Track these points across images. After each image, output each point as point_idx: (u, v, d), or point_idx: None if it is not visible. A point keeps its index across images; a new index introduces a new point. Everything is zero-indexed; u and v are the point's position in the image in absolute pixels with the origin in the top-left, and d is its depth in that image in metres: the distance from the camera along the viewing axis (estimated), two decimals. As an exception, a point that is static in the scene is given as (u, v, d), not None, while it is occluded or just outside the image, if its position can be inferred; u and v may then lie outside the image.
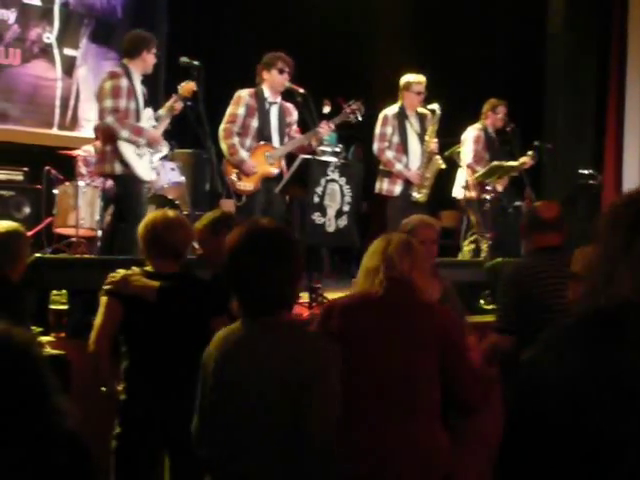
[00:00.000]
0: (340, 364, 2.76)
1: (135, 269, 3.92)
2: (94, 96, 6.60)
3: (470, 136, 8.74)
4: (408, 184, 7.87)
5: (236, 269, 2.78)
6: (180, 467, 3.85)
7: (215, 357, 2.80)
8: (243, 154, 7.04)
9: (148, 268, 3.92)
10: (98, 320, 3.82)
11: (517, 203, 9.31)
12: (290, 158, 7.20)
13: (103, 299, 3.84)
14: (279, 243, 2.81)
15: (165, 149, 6.83)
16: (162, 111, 6.80)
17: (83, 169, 8.50)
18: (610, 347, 1.65)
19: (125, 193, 6.73)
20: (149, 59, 6.70)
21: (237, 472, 2.73)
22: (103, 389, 3.84)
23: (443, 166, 8.12)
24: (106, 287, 3.83)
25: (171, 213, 4.02)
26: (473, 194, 8.71)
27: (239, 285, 2.79)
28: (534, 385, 1.70)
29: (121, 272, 3.88)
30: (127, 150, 6.55)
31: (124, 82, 6.54)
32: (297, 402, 2.64)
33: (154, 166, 6.78)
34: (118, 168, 6.58)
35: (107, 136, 6.60)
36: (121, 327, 3.80)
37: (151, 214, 4.11)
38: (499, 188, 8.74)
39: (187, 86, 6.71)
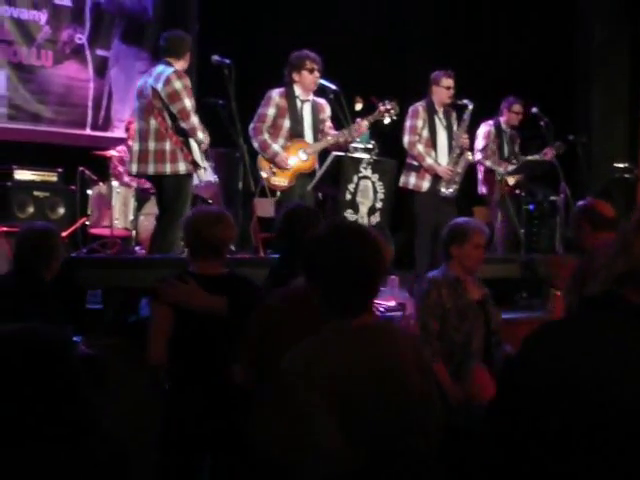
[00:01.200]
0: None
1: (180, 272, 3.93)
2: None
3: (480, 132, 8.70)
4: (436, 179, 7.81)
5: (341, 265, 2.58)
6: (226, 467, 3.88)
7: (330, 370, 2.49)
8: (275, 147, 7.05)
9: (193, 269, 3.92)
10: (153, 330, 3.81)
11: (552, 198, 9.25)
12: (323, 155, 7.18)
13: (154, 307, 3.84)
14: (377, 241, 2.68)
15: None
16: None
17: (120, 168, 8.54)
18: None
19: (181, 193, 6.60)
20: (188, 60, 6.75)
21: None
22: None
23: (473, 162, 8.12)
24: (157, 295, 3.82)
25: (213, 209, 4.01)
26: (484, 190, 8.73)
27: (342, 282, 2.58)
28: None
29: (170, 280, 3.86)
30: (196, 151, 6.59)
31: (189, 81, 6.58)
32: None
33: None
34: (182, 167, 6.53)
35: (171, 135, 6.53)
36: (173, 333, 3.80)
37: (193, 210, 4.13)
38: (511, 182, 8.64)
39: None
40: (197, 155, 6.57)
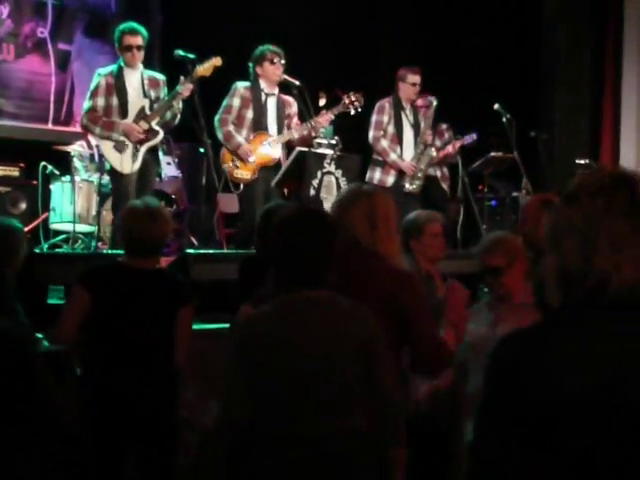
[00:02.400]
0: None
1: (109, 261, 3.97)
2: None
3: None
4: (401, 175, 7.85)
5: (289, 242, 2.85)
6: (149, 458, 3.89)
7: (264, 335, 2.81)
8: (239, 139, 7.07)
9: (123, 260, 3.98)
10: (66, 310, 3.91)
11: (514, 194, 9.31)
12: (289, 151, 7.18)
13: (75, 291, 3.91)
14: (328, 223, 2.95)
15: (156, 138, 6.76)
16: (161, 102, 6.75)
17: (78, 164, 8.48)
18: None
19: (113, 188, 6.96)
20: (121, 53, 6.76)
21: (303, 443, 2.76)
22: None
23: (436, 158, 8.13)
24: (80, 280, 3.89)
25: (147, 204, 4.00)
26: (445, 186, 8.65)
27: (288, 258, 2.85)
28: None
29: None
30: (105, 146, 6.71)
31: (103, 80, 6.69)
32: (362, 361, 2.79)
33: (141, 156, 6.72)
34: (107, 164, 6.82)
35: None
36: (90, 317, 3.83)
37: (126, 207, 4.13)
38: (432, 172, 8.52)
39: (209, 64, 6.74)
40: (108, 151, 6.71)
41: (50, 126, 10.12)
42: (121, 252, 6.48)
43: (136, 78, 6.73)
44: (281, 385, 2.77)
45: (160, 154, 6.96)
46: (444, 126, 8.62)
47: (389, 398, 2.88)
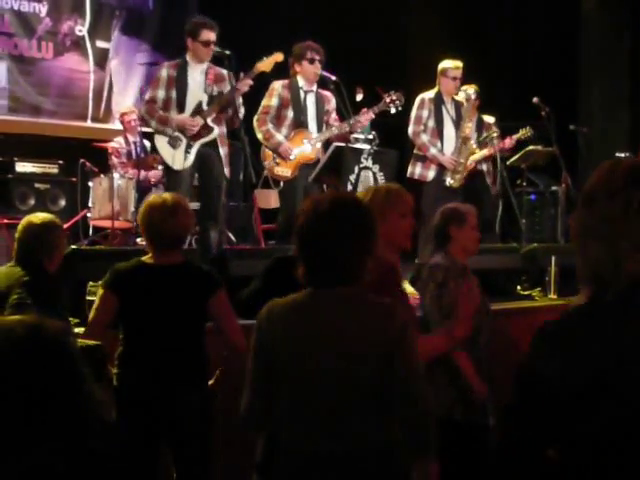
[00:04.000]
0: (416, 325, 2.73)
1: (132, 261, 3.93)
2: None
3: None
4: (442, 169, 7.80)
5: (316, 235, 2.66)
6: (185, 455, 3.85)
7: (283, 330, 2.67)
8: (279, 137, 7.03)
9: (146, 259, 3.91)
10: (94, 309, 3.88)
11: (554, 188, 9.23)
12: (327, 146, 7.16)
13: (101, 293, 3.88)
14: (362, 213, 2.73)
15: (211, 134, 6.69)
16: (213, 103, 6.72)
17: (115, 160, 8.55)
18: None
19: (166, 184, 6.96)
20: (195, 48, 6.57)
21: (318, 451, 2.63)
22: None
23: (477, 151, 8.06)
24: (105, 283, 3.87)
25: (168, 198, 3.93)
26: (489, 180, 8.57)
27: (316, 252, 2.66)
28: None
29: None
30: (159, 141, 6.61)
31: (164, 72, 6.58)
32: (384, 368, 2.60)
33: (194, 152, 6.60)
34: (161, 159, 6.79)
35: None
36: (117, 315, 3.83)
37: (146, 201, 4.07)
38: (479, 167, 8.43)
39: (270, 60, 6.67)
40: (162, 146, 6.61)
41: (89, 123, 10.20)
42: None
43: (199, 72, 6.65)
44: (294, 383, 2.65)
45: (221, 151, 6.78)
46: (491, 120, 8.57)
47: (420, 404, 2.66)
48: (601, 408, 1.64)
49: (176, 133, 6.54)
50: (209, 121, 6.56)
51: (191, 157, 6.56)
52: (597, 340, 1.68)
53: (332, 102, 7.26)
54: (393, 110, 7.23)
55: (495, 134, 8.37)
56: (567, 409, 1.67)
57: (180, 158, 6.55)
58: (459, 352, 4.05)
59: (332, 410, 2.61)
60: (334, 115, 7.28)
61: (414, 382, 2.64)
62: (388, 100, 7.18)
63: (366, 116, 7.07)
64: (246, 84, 6.51)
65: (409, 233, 3.59)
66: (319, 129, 7.17)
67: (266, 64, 6.64)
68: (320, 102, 7.21)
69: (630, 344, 1.66)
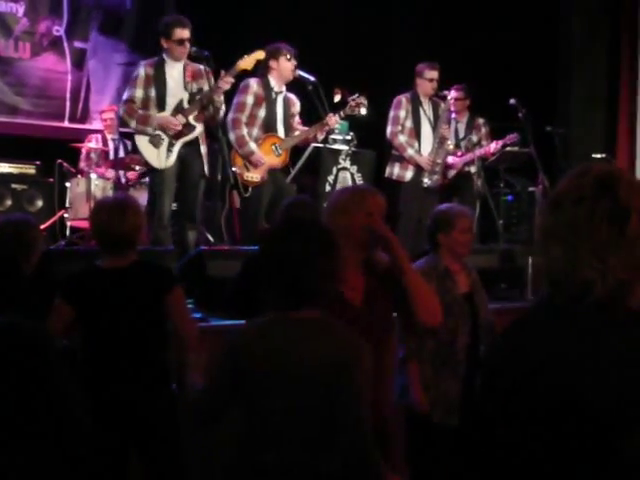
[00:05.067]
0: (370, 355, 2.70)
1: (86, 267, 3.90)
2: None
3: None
4: (419, 170, 7.84)
5: (278, 258, 2.66)
6: (150, 451, 3.83)
7: (254, 349, 2.66)
8: (252, 146, 7.00)
9: (100, 262, 3.84)
10: (50, 317, 3.79)
11: (531, 189, 9.28)
12: (294, 150, 7.16)
13: (58, 303, 3.81)
14: (324, 235, 2.73)
15: (193, 133, 6.67)
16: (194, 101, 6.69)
17: (83, 164, 8.57)
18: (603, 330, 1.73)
19: (149, 183, 6.96)
20: (170, 47, 6.59)
21: (277, 460, 2.64)
22: None
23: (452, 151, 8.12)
24: (61, 292, 3.81)
25: (116, 198, 3.91)
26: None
27: (281, 276, 2.66)
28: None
29: None
30: (140, 141, 6.58)
31: (142, 71, 6.57)
32: (336, 388, 2.60)
33: (176, 150, 6.59)
34: (142, 160, 6.77)
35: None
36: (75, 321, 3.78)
37: (95, 202, 4.00)
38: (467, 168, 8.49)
39: (251, 57, 6.66)
40: (143, 146, 6.57)
41: (66, 124, 10.17)
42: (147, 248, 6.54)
43: (177, 70, 6.63)
44: (261, 403, 2.66)
45: (202, 149, 6.77)
46: (481, 121, 8.62)
47: (361, 435, 2.65)
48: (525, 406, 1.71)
49: (157, 132, 6.53)
50: (191, 119, 6.56)
51: (173, 156, 6.56)
52: (534, 340, 1.75)
53: (297, 105, 7.27)
54: (363, 111, 7.24)
55: (484, 135, 8.45)
56: (503, 400, 1.74)
57: (162, 157, 6.54)
58: (412, 362, 4.15)
59: (293, 438, 2.62)
60: (297, 119, 7.28)
61: (360, 408, 2.64)
62: (353, 104, 7.20)
63: (333, 120, 7.06)
64: (227, 82, 6.51)
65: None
66: (286, 132, 7.15)
67: (247, 62, 6.63)
68: (287, 105, 7.21)
69: (564, 346, 1.71)
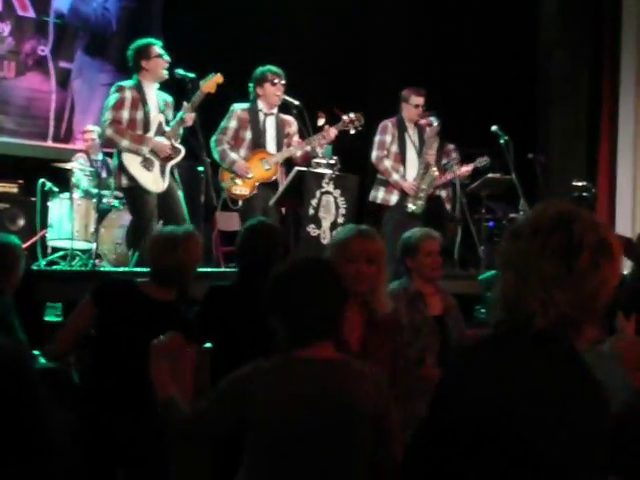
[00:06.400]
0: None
1: (129, 280, 3.90)
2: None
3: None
4: (404, 195, 7.87)
5: (290, 296, 2.67)
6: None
7: (267, 394, 2.60)
8: (233, 155, 7.09)
9: (142, 283, 3.87)
10: (67, 323, 3.86)
11: (512, 215, 9.32)
12: (289, 169, 7.19)
13: (83, 304, 3.83)
14: (336, 274, 2.76)
15: (179, 155, 6.73)
16: (172, 122, 6.73)
17: (79, 179, 8.52)
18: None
19: (131, 205, 6.85)
20: (151, 66, 6.64)
21: None
22: None
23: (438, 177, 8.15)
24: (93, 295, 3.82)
25: (175, 231, 3.87)
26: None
27: (297, 311, 2.66)
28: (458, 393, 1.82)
29: None
30: (131, 162, 6.55)
31: (128, 94, 6.57)
32: (370, 436, 2.61)
33: (168, 174, 6.66)
34: (124, 181, 6.63)
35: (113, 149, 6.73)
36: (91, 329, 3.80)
37: (155, 233, 4.01)
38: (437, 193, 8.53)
39: (211, 81, 6.71)
40: (135, 168, 6.55)
41: (49, 143, 10.16)
42: (118, 269, 6.54)
43: (154, 94, 6.70)
44: (271, 452, 2.60)
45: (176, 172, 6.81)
46: (451, 146, 8.66)
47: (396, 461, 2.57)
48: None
49: (148, 154, 6.54)
50: (174, 142, 6.62)
51: (166, 179, 6.60)
52: (472, 371, 1.82)
53: (293, 126, 7.32)
54: (352, 131, 7.31)
55: (455, 160, 8.47)
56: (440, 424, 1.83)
57: (159, 181, 6.58)
58: None
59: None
60: (296, 138, 7.33)
61: (393, 457, 2.63)
62: (347, 120, 7.26)
63: (328, 134, 7.12)
64: (190, 118, 6.60)
65: (357, 277, 3.46)
66: (279, 151, 7.22)
67: (208, 86, 6.71)
68: (280, 125, 7.27)
69: (492, 378, 1.78)
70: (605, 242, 1.80)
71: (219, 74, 6.77)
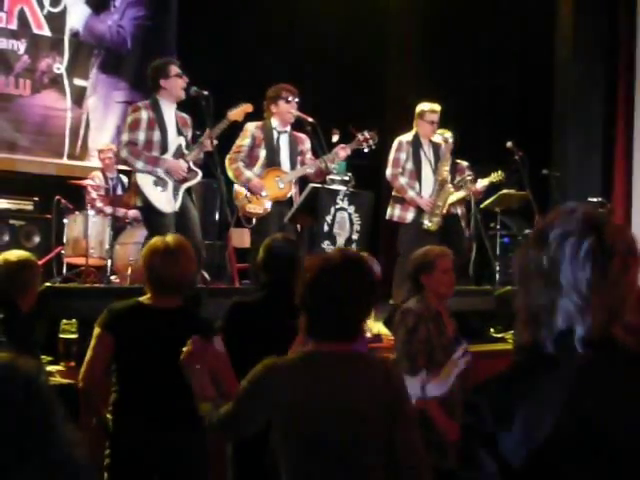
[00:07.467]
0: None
1: (130, 301, 3.90)
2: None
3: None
4: (420, 211, 7.85)
5: (328, 289, 2.74)
6: None
7: (289, 384, 2.71)
8: (248, 173, 7.07)
9: (144, 299, 3.88)
10: (90, 354, 3.81)
11: (527, 231, 9.30)
12: (303, 186, 7.18)
13: (98, 333, 3.83)
14: (369, 272, 2.84)
15: (196, 179, 6.73)
16: (192, 147, 6.69)
17: (94, 194, 8.56)
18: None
19: (147, 225, 6.82)
20: (170, 85, 6.63)
21: None
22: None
23: (454, 194, 8.11)
24: (102, 323, 3.82)
25: (167, 242, 3.88)
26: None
27: (327, 306, 2.73)
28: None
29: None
30: (145, 182, 6.55)
31: (144, 114, 6.55)
32: (387, 427, 2.70)
33: (181, 195, 6.62)
34: (138, 200, 6.63)
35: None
36: (113, 360, 3.81)
37: (150, 242, 4.04)
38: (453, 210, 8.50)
39: (240, 110, 6.74)
40: (148, 188, 6.55)
41: (65, 160, 10.20)
42: (133, 286, 6.53)
43: (172, 115, 6.68)
44: (296, 446, 2.70)
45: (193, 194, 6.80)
46: (464, 164, 8.65)
47: (420, 468, 2.75)
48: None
49: (163, 175, 6.54)
50: (191, 165, 6.62)
51: (179, 200, 6.58)
52: (534, 395, 1.72)
53: (307, 143, 7.30)
54: (366, 149, 7.29)
55: (469, 177, 8.45)
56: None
57: (170, 200, 6.56)
58: (430, 400, 4.04)
59: (338, 468, 2.67)
60: (309, 155, 7.32)
61: (414, 436, 2.75)
62: (361, 139, 7.24)
63: (343, 151, 7.11)
64: (210, 144, 6.58)
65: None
66: (292, 168, 7.21)
67: (236, 114, 6.74)
68: (294, 143, 7.26)
69: (564, 399, 1.70)
70: (632, 245, 1.77)
71: (249, 104, 6.78)
